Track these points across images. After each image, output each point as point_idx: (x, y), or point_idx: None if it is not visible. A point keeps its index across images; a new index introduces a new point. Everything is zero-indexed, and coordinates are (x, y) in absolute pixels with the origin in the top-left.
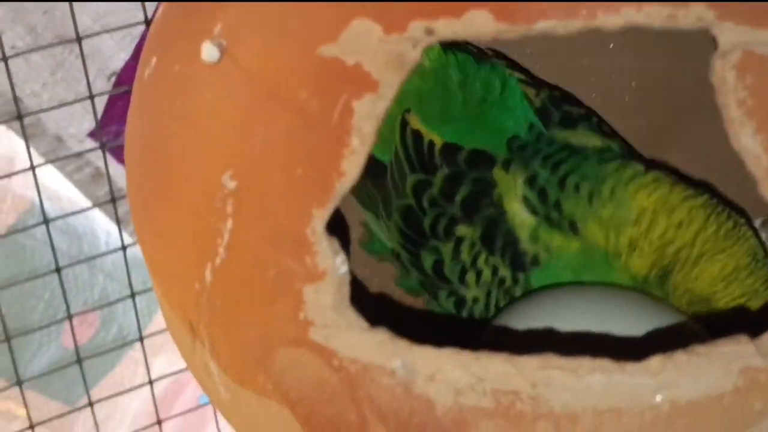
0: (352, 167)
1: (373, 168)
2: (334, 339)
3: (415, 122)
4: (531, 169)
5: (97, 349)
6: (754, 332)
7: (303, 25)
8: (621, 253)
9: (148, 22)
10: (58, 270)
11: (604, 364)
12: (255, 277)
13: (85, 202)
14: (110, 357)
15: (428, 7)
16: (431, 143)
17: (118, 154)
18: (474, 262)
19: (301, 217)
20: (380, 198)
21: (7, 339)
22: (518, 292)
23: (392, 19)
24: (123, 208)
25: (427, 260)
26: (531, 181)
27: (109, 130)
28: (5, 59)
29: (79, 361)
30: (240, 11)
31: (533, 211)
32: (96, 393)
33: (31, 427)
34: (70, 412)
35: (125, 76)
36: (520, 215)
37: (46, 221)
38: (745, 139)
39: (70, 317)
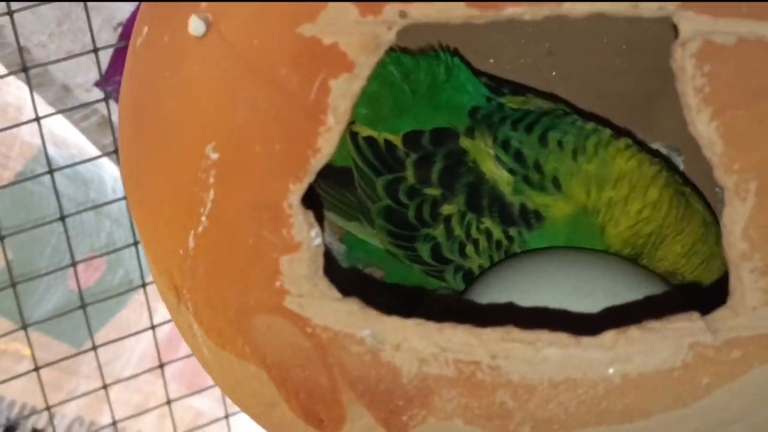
0: (326, 144)
1: (346, 176)
2: (308, 308)
3: (365, 130)
4: (502, 134)
5: (104, 293)
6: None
7: (284, 4)
8: (599, 210)
9: None
10: (62, 218)
11: (561, 338)
12: (234, 246)
13: (92, 149)
14: (116, 300)
15: None
16: (388, 143)
17: None
18: (468, 233)
19: (279, 191)
20: (359, 205)
21: (13, 285)
22: (517, 249)
23: (368, 2)
24: None
25: (424, 249)
26: (504, 146)
27: (115, 79)
28: (11, 13)
29: (83, 306)
30: None
31: (510, 171)
32: (102, 335)
33: (37, 369)
34: (75, 355)
35: (131, 27)
36: (497, 172)
37: (51, 171)
38: (701, 125)
39: (74, 264)
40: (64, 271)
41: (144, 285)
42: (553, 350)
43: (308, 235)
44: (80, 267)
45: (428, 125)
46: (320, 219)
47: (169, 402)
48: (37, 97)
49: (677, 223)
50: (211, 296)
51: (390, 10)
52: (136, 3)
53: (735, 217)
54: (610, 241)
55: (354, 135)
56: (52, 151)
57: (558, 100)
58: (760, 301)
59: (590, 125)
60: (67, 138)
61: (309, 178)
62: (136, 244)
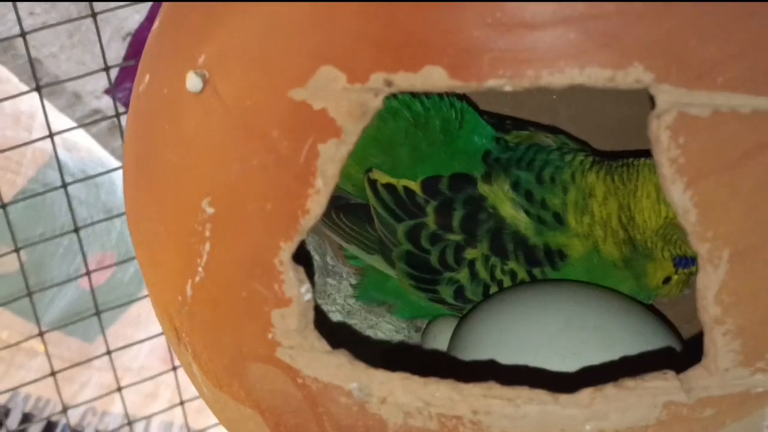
0: (315, 206)
1: (367, 211)
2: (298, 359)
3: (384, 177)
4: (513, 175)
5: (114, 290)
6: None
7: (277, 67)
8: (596, 238)
9: None
10: (76, 230)
11: (540, 395)
12: (229, 297)
13: (102, 152)
14: (127, 296)
15: (388, 60)
16: (407, 189)
17: None
18: (493, 276)
19: (270, 248)
20: (379, 242)
21: (29, 294)
22: None
23: (356, 69)
24: None
25: (446, 291)
26: (515, 186)
27: (124, 86)
28: (23, 34)
29: (98, 313)
30: (222, 45)
31: (526, 212)
32: (114, 330)
33: (53, 373)
34: (87, 362)
35: (139, 37)
36: (516, 215)
37: (65, 185)
38: (675, 194)
39: (88, 273)
40: (77, 271)
41: None
42: (532, 407)
43: (299, 291)
44: (91, 266)
45: (446, 171)
46: (310, 275)
47: (180, 393)
48: (48, 105)
49: (628, 193)
50: (208, 342)
51: (376, 78)
52: (144, 13)
53: (708, 283)
54: (610, 255)
55: (373, 182)
56: (63, 155)
57: (559, 132)
58: (732, 362)
59: (570, 156)
60: (78, 142)
61: (299, 237)
62: None
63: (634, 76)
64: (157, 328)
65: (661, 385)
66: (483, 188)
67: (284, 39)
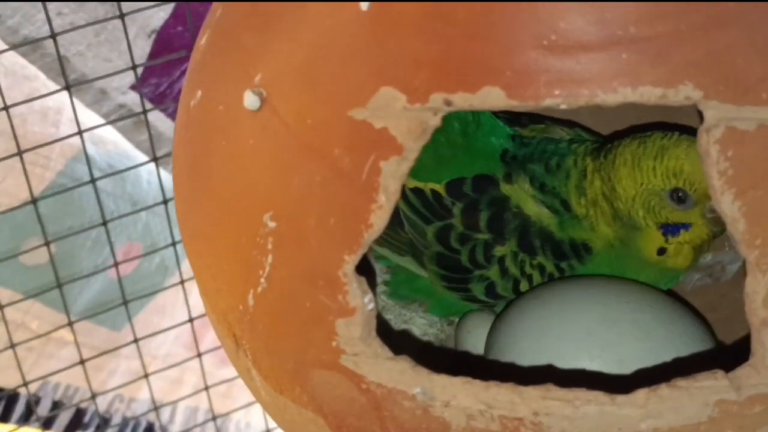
0: (378, 220)
1: (396, 215)
2: (362, 366)
3: (411, 182)
4: (529, 171)
5: (141, 279)
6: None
7: (336, 87)
8: (598, 220)
9: None
10: (105, 223)
11: (598, 396)
12: (292, 307)
13: (128, 146)
14: (153, 286)
15: (448, 81)
16: (434, 192)
17: (158, 101)
18: (522, 271)
19: (334, 261)
20: (410, 245)
21: (59, 285)
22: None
23: (416, 90)
24: (162, 150)
25: (478, 289)
26: (532, 181)
27: (150, 82)
28: (54, 36)
29: (125, 303)
30: (279, 64)
31: (548, 207)
32: (141, 318)
33: (82, 362)
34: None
35: (164, 33)
36: (540, 212)
37: (93, 180)
38: (725, 205)
39: (116, 264)
40: (104, 263)
41: (181, 275)
42: (590, 407)
43: (362, 301)
44: (119, 257)
45: (468, 173)
46: (372, 285)
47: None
48: (75, 100)
49: (608, 164)
50: (271, 349)
51: (436, 98)
52: (169, 11)
53: (756, 287)
54: (606, 236)
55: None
56: (91, 149)
57: (574, 125)
58: None
59: (576, 144)
60: (105, 136)
61: (362, 250)
62: (174, 243)
63: (684, 93)
64: (182, 315)
65: (712, 385)
66: (505, 188)
67: (342, 59)
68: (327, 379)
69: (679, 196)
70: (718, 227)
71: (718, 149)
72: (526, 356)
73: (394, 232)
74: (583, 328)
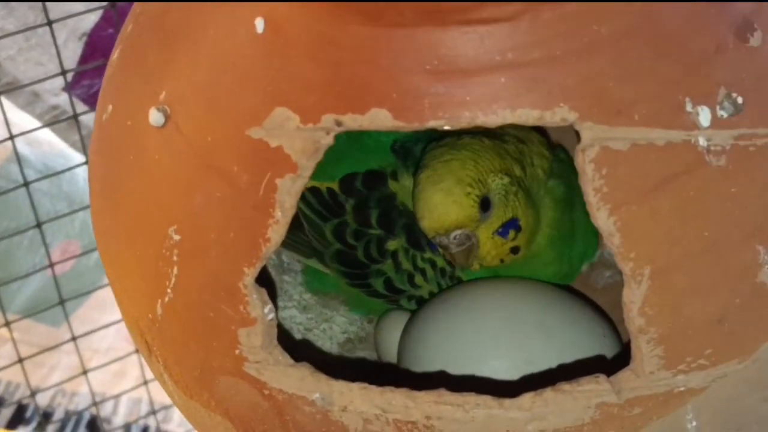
0: (275, 235)
1: (298, 219)
2: (264, 373)
3: (308, 182)
4: (414, 159)
5: (80, 276)
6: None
7: (234, 107)
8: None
9: None
10: (39, 225)
11: (487, 400)
12: (197, 317)
13: (63, 145)
14: (92, 281)
15: (338, 103)
16: (330, 191)
17: (91, 102)
18: (415, 265)
19: (234, 273)
20: (312, 248)
21: None
22: (460, 273)
23: (308, 111)
24: None
25: (378, 284)
26: (413, 168)
27: (83, 84)
28: None
29: (62, 302)
30: (181, 83)
31: None
32: (80, 314)
33: (21, 360)
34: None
35: (95, 36)
36: None
37: (26, 183)
38: (601, 220)
39: (51, 265)
40: (42, 260)
41: None
42: (479, 411)
43: (262, 312)
44: (56, 254)
45: (362, 168)
46: (272, 296)
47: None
48: (8, 103)
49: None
50: (179, 356)
51: (327, 119)
52: (99, 14)
53: (632, 298)
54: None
55: None
56: (26, 150)
57: None
58: (656, 366)
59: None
60: (40, 137)
61: (261, 263)
62: None
63: (560, 115)
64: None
65: (594, 388)
66: (393, 185)
67: (240, 80)
68: (232, 385)
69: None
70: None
71: (593, 168)
72: (436, 359)
73: (296, 236)
74: (490, 330)
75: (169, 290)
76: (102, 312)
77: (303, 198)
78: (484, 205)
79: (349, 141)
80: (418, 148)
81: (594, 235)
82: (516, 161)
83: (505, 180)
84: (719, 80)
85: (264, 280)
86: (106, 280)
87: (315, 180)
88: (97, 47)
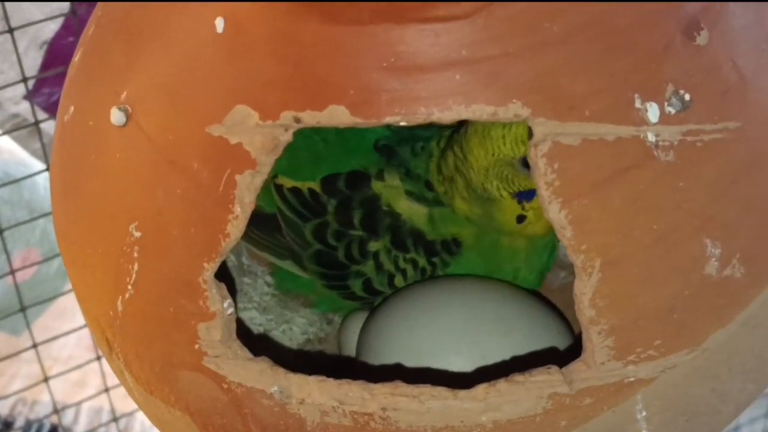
0: (235, 230)
1: (275, 221)
2: (223, 366)
3: (288, 182)
4: (402, 164)
5: (41, 284)
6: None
7: (195, 104)
8: (453, 196)
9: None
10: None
11: (441, 392)
12: (158, 312)
13: (23, 154)
14: (53, 288)
15: (296, 100)
16: (311, 191)
17: (52, 110)
18: (396, 266)
19: (194, 268)
20: (289, 250)
21: None
22: (440, 272)
23: (267, 108)
24: None
25: (356, 285)
26: (400, 168)
27: (43, 92)
28: None
29: (23, 309)
30: (143, 82)
31: (418, 200)
32: (41, 322)
33: None
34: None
35: (56, 44)
36: (411, 209)
37: None
38: (553, 213)
39: (13, 272)
40: (3, 267)
41: None
42: (434, 402)
43: (222, 306)
44: (17, 262)
45: (344, 169)
46: (232, 291)
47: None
48: None
49: (461, 138)
50: (140, 352)
51: (286, 116)
52: (60, 22)
53: (583, 289)
54: (462, 211)
55: (279, 187)
56: None
57: None
58: (607, 356)
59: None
60: (0, 145)
61: (220, 258)
62: None
63: (513, 111)
64: (83, 318)
65: (546, 379)
66: (377, 186)
67: (200, 78)
68: (192, 379)
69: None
70: None
71: (545, 162)
72: (394, 354)
73: (273, 238)
74: (449, 326)
75: (129, 287)
76: (63, 320)
77: (283, 198)
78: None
79: (331, 141)
80: (403, 151)
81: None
82: None
83: None
84: (668, 77)
85: (223, 275)
86: (66, 288)
87: (296, 180)
88: (57, 55)
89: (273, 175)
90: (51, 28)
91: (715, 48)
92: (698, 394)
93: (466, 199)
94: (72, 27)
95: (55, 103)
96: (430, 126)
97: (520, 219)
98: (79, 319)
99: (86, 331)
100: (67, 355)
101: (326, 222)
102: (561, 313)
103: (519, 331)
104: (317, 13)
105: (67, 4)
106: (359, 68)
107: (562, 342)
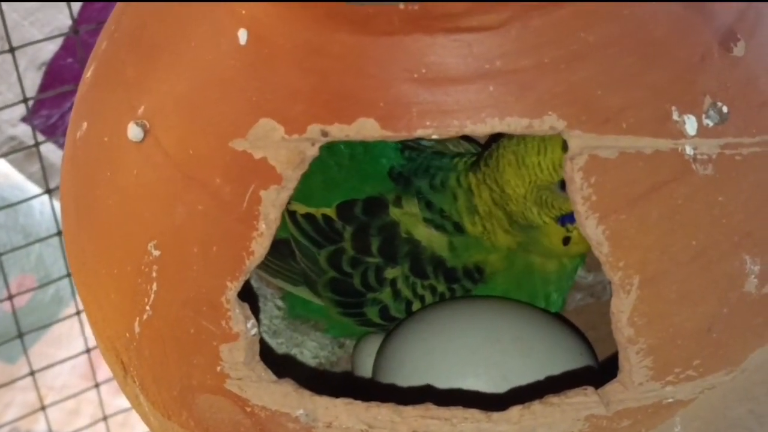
0: (259, 248)
1: (288, 247)
2: (246, 389)
3: (302, 208)
4: (416, 187)
5: (36, 311)
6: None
7: (216, 119)
8: (495, 231)
9: (74, 20)
10: None
11: (474, 414)
12: (177, 333)
13: (19, 177)
14: (48, 317)
15: (324, 112)
16: (326, 217)
17: (49, 132)
18: (414, 292)
19: (217, 287)
20: (303, 275)
21: None
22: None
23: (293, 121)
24: (55, 181)
25: (372, 312)
26: (419, 199)
27: (41, 114)
28: None
29: (20, 335)
30: (161, 96)
31: (437, 228)
32: (36, 349)
33: None
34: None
35: (55, 66)
36: (431, 237)
37: None
38: (589, 229)
39: (11, 297)
40: None
41: (77, 308)
42: (467, 425)
43: (245, 327)
44: (12, 288)
45: (359, 195)
46: (255, 311)
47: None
48: None
49: (492, 171)
50: (157, 375)
51: (313, 129)
52: (59, 43)
53: (621, 307)
54: (506, 245)
55: (292, 213)
56: None
57: (472, 140)
58: (645, 377)
59: (456, 159)
60: None
61: (244, 277)
62: (69, 274)
63: (549, 123)
64: (78, 346)
65: (582, 401)
66: (395, 212)
67: (222, 91)
68: (212, 403)
69: None
70: None
71: (582, 176)
72: (413, 377)
73: (286, 264)
74: (468, 348)
75: (147, 307)
76: (58, 348)
77: (296, 224)
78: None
79: (345, 166)
80: (417, 180)
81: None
82: None
83: None
84: (705, 89)
85: (246, 295)
86: (62, 314)
87: (309, 206)
88: (56, 77)
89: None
90: (50, 49)
91: (752, 59)
92: (736, 416)
93: (509, 231)
94: (71, 47)
95: (53, 126)
96: (443, 155)
97: (566, 241)
98: (75, 347)
99: (81, 359)
100: (61, 384)
101: (342, 249)
102: (582, 334)
103: (540, 352)
104: (345, 24)
105: (66, 24)
106: (389, 80)
107: (584, 363)
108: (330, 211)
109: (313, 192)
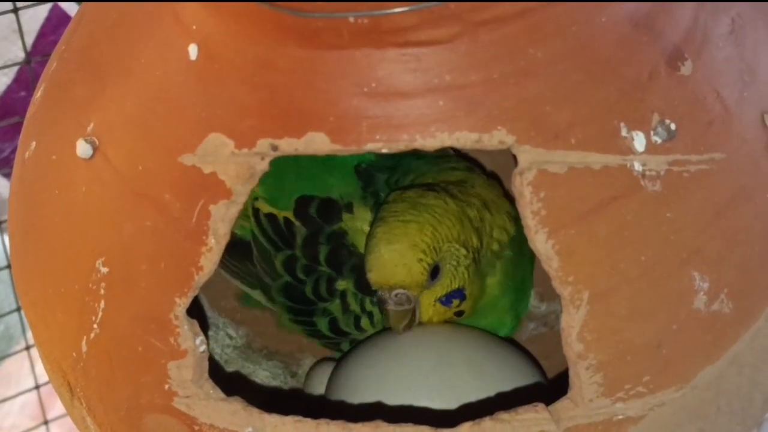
0: (208, 263)
1: (250, 249)
2: (194, 408)
3: (266, 207)
4: (375, 193)
5: None
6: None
7: (166, 134)
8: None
9: (27, 53)
10: None
11: (425, 431)
12: (125, 352)
13: None
14: None
15: (273, 127)
16: (287, 220)
17: (1, 166)
18: (363, 308)
19: (165, 304)
20: (259, 279)
21: None
22: None
23: (243, 136)
24: (5, 215)
25: (322, 323)
26: (376, 204)
27: None
28: None
29: None
30: (110, 113)
31: None
32: None
33: None
34: None
35: (8, 99)
36: None
37: None
38: (539, 244)
39: None
40: None
41: (27, 344)
42: None
43: (194, 343)
44: None
45: (322, 191)
46: (204, 328)
47: None
48: None
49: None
50: (104, 395)
51: (263, 143)
52: (12, 76)
53: (571, 323)
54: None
55: (256, 211)
56: None
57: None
58: (595, 393)
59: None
60: None
61: (193, 293)
62: (18, 308)
63: (498, 138)
64: (27, 384)
65: (533, 417)
66: (346, 219)
67: (172, 107)
68: (160, 422)
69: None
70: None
71: (531, 191)
72: (366, 401)
73: (243, 266)
74: (422, 372)
75: (95, 326)
76: (7, 386)
77: (258, 223)
78: (434, 272)
79: (315, 159)
80: (381, 178)
81: (528, 288)
82: (475, 231)
83: (461, 251)
84: (653, 106)
85: (195, 311)
86: (11, 350)
87: (276, 205)
88: (9, 110)
89: (254, 197)
90: (2, 81)
91: (700, 78)
92: None
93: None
94: (24, 80)
95: (6, 160)
96: (421, 156)
97: (459, 314)
98: (24, 384)
99: (31, 399)
100: (10, 424)
101: (295, 255)
102: (535, 359)
103: (495, 375)
104: (294, 37)
105: (20, 57)
106: (339, 94)
107: (535, 382)
108: (290, 214)
109: (281, 193)
